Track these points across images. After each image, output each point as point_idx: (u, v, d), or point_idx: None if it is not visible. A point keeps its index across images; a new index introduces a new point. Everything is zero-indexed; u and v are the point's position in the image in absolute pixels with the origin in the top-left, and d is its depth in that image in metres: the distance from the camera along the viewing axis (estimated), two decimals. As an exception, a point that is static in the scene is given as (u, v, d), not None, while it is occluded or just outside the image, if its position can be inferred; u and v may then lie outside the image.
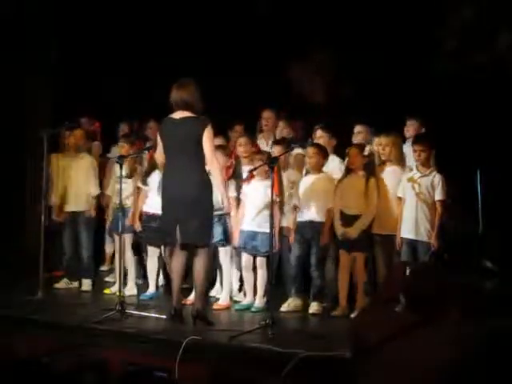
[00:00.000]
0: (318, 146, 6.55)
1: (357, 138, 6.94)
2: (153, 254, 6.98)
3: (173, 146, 5.70)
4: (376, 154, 6.67)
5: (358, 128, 7.00)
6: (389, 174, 6.35)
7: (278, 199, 6.35)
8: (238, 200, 6.62)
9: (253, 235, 6.45)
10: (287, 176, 6.69)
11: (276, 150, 6.64)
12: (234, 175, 6.67)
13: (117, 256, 6.85)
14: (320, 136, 6.78)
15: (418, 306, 3.13)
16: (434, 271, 3.26)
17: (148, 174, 6.86)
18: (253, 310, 6.39)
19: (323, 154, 6.50)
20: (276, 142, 6.93)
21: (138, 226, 6.90)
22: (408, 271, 3.29)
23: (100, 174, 7.70)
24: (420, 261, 5.98)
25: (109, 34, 8.84)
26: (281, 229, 6.56)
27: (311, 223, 6.40)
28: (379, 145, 6.46)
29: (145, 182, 6.87)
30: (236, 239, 6.57)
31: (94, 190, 7.39)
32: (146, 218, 6.84)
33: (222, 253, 6.61)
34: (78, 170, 7.41)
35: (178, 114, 5.71)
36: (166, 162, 5.78)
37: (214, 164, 5.68)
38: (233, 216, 6.55)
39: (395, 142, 6.43)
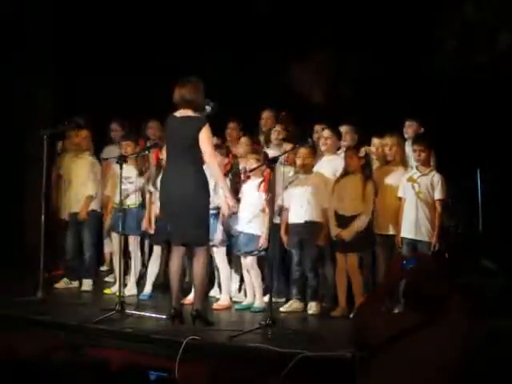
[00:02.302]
0: (311, 147, 6.55)
1: (345, 139, 6.92)
2: (156, 255, 6.98)
3: (172, 145, 5.70)
4: (375, 155, 6.66)
5: (344, 128, 6.97)
6: (395, 174, 6.33)
7: (267, 197, 6.34)
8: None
9: (238, 234, 6.47)
10: (288, 173, 6.69)
11: (288, 148, 6.61)
12: (230, 174, 6.66)
13: (116, 256, 6.85)
14: (328, 136, 6.74)
15: (418, 305, 3.13)
16: (435, 271, 3.26)
17: (157, 176, 6.81)
18: (252, 310, 6.39)
19: (315, 154, 6.52)
20: (285, 140, 6.90)
21: (147, 228, 6.89)
22: (409, 270, 3.28)
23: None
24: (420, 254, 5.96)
25: (109, 33, 8.84)
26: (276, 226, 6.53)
27: (305, 224, 6.39)
28: (385, 145, 6.45)
29: (155, 185, 6.81)
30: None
31: (88, 191, 7.34)
32: (155, 219, 6.85)
33: (219, 253, 6.60)
34: (78, 170, 7.41)
35: (180, 113, 5.70)
36: (167, 160, 5.79)
37: (213, 164, 5.65)
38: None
39: (399, 143, 6.44)
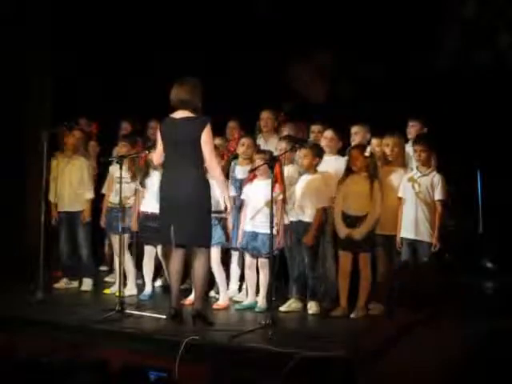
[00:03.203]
0: (312, 147, 6.53)
1: (354, 139, 6.91)
2: (150, 254, 6.97)
3: (172, 146, 5.69)
4: (377, 154, 6.65)
5: (354, 128, 6.95)
6: (396, 174, 6.33)
7: (280, 196, 6.34)
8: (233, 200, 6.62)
9: (254, 236, 6.44)
10: (290, 172, 6.67)
11: (282, 146, 6.61)
12: (226, 175, 6.65)
13: (116, 256, 6.85)
14: (332, 137, 6.73)
15: (415, 306, 3.13)
16: (434, 271, 3.26)
17: (145, 175, 6.83)
18: (257, 310, 6.38)
19: (317, 154, 6.48)
20: (282, 138, 6.88)
21: (135, 227, 6.89)
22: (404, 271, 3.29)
23: (98, 175, 7.68)
24: (420, 261, 5.97)
25: (109, 33, 8.84)
26: (285, 226, 6.54)
27: (303, 223, 6.39)
28: (386, 145, 6.44)
29: (142, 184, 6.84)
30: (231, 239, 6.62)
31: (88, 194, 7.36)
32: (144, 218, 6.83)
33: (213, 254, 6.54)
34: (73, 170, 7.41)
35: (178, 114, 5.70)
36: (165, 161, 5.78)
37: (214, 166, 5.66)
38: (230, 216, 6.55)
39: (400, 143, 6.43)
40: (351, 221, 6.26)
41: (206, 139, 5.59)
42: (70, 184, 7.38)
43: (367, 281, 6.23)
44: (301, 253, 6.41)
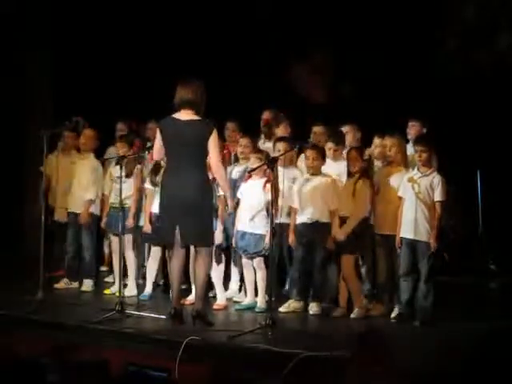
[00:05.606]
0: (316, 148, 6.51)
1: (346, 138, 6.89)
2: (155, 255, 6.97)
3: (176, 147, 5.64)
4: (375, 155, 6.65)
5: (345, 128, 6.93)
6: (396, 175, 6.32)
7: (268, 197, 6.31)
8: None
9: (242, 235, 6.45)
10: (287, 173, 6.65)
11: (280, 147, 6.59)
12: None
13: (116, 256, 6.83)
14: (335, 149, 6.68)
15: None
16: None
17: (156, 173, 6.78)
18: (257, 310, 6.38)
19: (322, 156, 6.48)
20: (279, 139, 6.86)
21: (148, 228, 6.82)
22: None
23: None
24: (419, 261, 5.97)
25: (109, 33, 8.85)
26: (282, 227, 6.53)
27: (314, 224, 6.37)
28: (384, 146, 6.44)
29: (154, 183, 6.77)
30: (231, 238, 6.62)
31: (89, 194, 7.29)
32: (152, 219, 6.81)
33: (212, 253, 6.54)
34: (82, 170, 7.37)
35: (181, 115, 5.64)
36: (168, 162, 5.75)
37: (220, 170, 5.69)
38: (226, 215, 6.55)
39: (400, 143, 6.42)
40: (342, 222, 6.27)
41: (214, 143, 5.60)
42: (78, 184, 7.36)
43: (352, 282, 6.22)
44: (307, 253, 6.38)
